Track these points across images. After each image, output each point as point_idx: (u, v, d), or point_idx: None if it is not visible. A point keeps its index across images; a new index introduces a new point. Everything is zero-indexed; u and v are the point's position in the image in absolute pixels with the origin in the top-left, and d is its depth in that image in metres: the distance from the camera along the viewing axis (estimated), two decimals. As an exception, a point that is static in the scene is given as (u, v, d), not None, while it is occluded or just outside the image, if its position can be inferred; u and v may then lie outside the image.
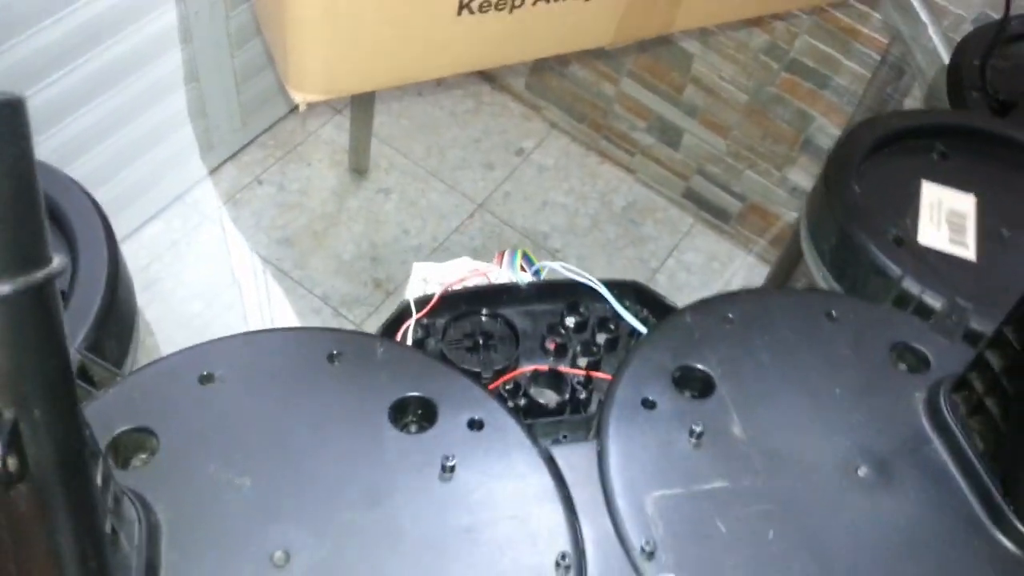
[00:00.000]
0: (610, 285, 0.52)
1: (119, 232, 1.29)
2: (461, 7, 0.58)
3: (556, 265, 0.51)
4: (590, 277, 0.48)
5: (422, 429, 0.40)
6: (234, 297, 1.31)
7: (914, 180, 0.64)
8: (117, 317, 0.44)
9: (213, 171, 1.40)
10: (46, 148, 1.07)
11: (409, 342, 0.50)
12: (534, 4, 0.60)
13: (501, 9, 0.59)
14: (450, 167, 1.47)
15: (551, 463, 0.40)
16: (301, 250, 1.35)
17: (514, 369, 0.46)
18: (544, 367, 0.47)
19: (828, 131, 1.28)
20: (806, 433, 0.43)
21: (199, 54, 1.19)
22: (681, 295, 1.41)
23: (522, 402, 0.46)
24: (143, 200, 1.31)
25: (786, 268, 1.11)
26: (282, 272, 1.33)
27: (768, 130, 1.33)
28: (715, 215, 1.48)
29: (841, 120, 1.25)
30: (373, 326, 1.30)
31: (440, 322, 0.50)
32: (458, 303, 0.49)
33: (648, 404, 0.43)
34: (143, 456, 0.39)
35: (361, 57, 0.58)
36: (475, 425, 0.40)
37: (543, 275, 0.53)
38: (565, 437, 0.45)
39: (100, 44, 1.04)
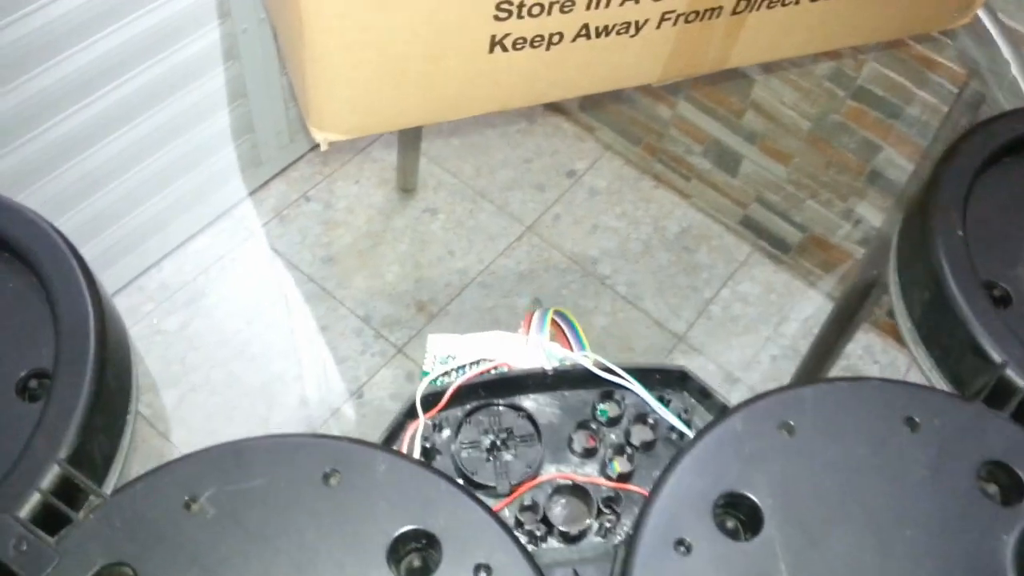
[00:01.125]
0: (653, 372, 0.46)
1: (167, 245, 1.30)
2: (493, 44, 0.54)
3: (586, 360, 0.45)
4: (625, 375, 0.42)
5: (424, 572, 0.36)
6: (276, 316, 1.30)
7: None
8: (107, 405, 0.40)
9: (261, 187, 1.39)
10: (92, 163, 1.07)
11: (416, 452, 0.45)
12: (574, 41, 0.56)
13: (537, 46, 0.55)
14: (499, 188, 1.44)
15: None
16: (345, 269, 1.33)
17: (535, 475, 0.41)
18: (568, 476, 0.42)
19: (897, 162, 1.21)
20: None
21: (247, 71, 1.18)
22: (736, 327, 1.35)
23: (539, 531, 0.40)
24: (191, 214, 1.30)
25: (851, 306, 1.04)
26: (325, 291, 1.31)
27: (832, 159, 1.27)
28: (774, 245, 1.41)
29: (911, 152, 1.18)
30: (415, 349, 1.28)
31: (455, 415, 0.45)
32: (476, 390, 0.44)
33: (683, 546, 0.36)
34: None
35: (385, 96, 0.54)
36: (482, 570, 0.36)
37: (568, 364, 0.46)
38: None
39: (146, 61, 1.04)
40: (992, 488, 0.39)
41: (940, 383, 0.49)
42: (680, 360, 1.30)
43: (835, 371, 1.30)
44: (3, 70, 0.91)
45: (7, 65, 0.90)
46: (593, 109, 1.48)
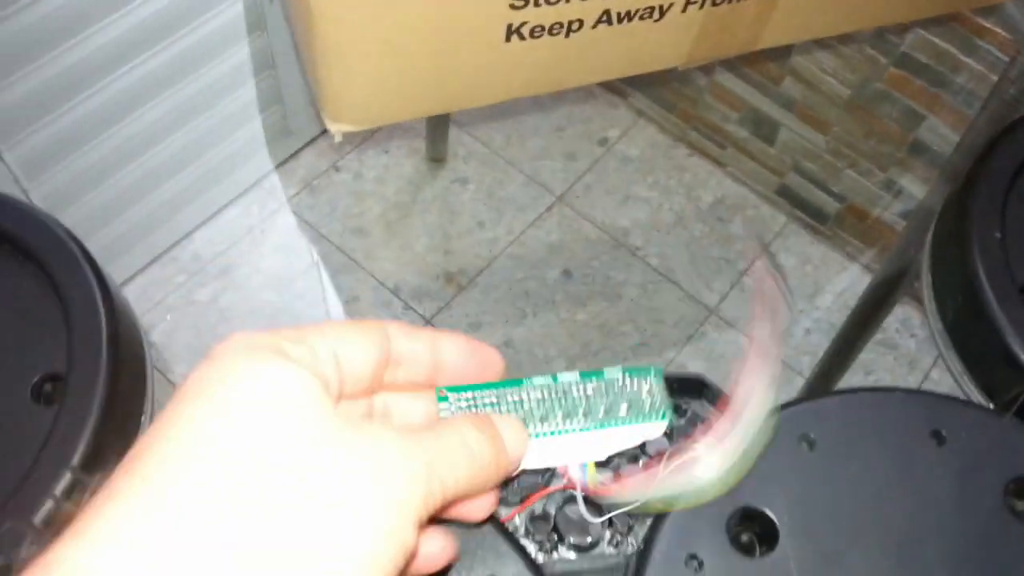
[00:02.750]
0: (670, 381, 0.44)
1: (198, 217, 1.31)
2: (510, 33, 0.52)
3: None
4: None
5: None
6: (306, 287, 1.30)
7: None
8: (121, 408, 0.41)
9: (291, 157, 1.39)
10: (123, 136, 1.07)
11: None
12: (594, 27, 0.54)
13: (556, 34, 0.53)
14: (530, 157, 1.42)
15: None
16: (374, 240, 1.33)
17: (546, 485, 0.40)
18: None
19: (941, 132, 1.17)
20: None
21: (274, 42, 1.17)
22: (769, 298, 1.33)
23: (549, 541, 0.39)
24: (221, 185, 1.31)
25: (889, 282, 1.02)
26: (355, 262, 1.31)
27: (873, 128, 1.23)
28: (811, 215, 1.38)
29: (956, 121, 1.14)
30: (443, 321, 1.28)
31: None
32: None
33: (695, 560, 0.35)
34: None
35: (400, 87, 0.53)
36: None
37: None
38: None
39: (174, 34, 1.03)
40: (1021, 506, 0.38)
41: (971, 390, 0.47)
42: (712, 334, 1.29)
43: (870, 345, 1.28)
44: (34, 44, 0.91)
45: (38, 40, 0.91)
46: (626, 76, 1.45)
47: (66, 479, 0.38)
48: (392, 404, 0.31)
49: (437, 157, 1.39)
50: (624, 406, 0.34)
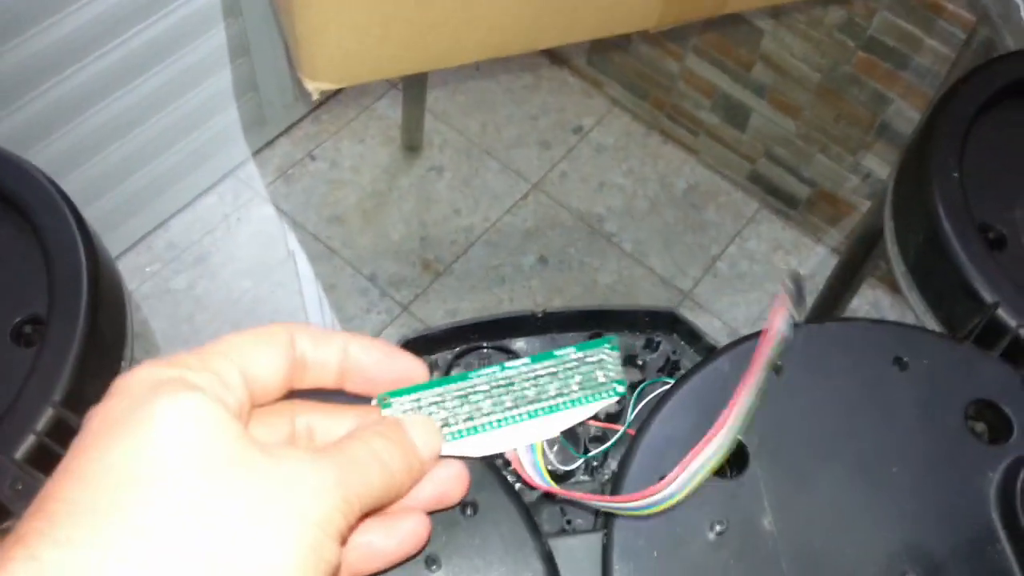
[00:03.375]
0: (644, 314, 0.45)
1: (173, 205, 1.30)
2: (485, -11, 0.53)
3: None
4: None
5: None
6: (284, 275, 1.30)
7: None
8: (102, 349, 0.41)
9: (266, 145, 1.39)
10: (94, 123, 1.07)
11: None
12: (568, -14, 0.55)
13: (530, -9, 0.54)
14: (505, 145, 1.43)
15: (549, 563, 0.35)
16: (350, 228, 1.33)
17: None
18: None
19: (907, 115, 1.19)
20: (848, 528, 0.35)
21: (250, 27, 1.17)
22: (743, 284, 1.35)
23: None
24: (196, 173, 1.31)
25: (856, 259, 1.04)
26: (331, 250, 1.32)
27: (842, 112, 1.25)
28: (782, 201, 1.40)
29: (921, 103, 1.16)
30: (420, 308, 1.28)
31: (444, 358, 0.45)
32: (465, 334, 0.43)
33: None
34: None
35: (376, 43, 0.54)
36: (469, 507, 0.35)
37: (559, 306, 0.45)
38: (569, 523, 0.39)
39: (146, 19, 1.03)
40: (980, 427, 0.39)
41: (933, 327, 0.49)
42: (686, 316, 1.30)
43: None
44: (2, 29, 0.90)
45: (3, 25, 0.90)
46: (601, 63, 1.46)
47: (48, 415, 0.38)
48: (315, 424, 0.32)
49: (413, 145, 1.40)
50: (576, 384, 0.35)
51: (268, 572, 0.24)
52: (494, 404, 0.34)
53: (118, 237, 1.25)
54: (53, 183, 0.43)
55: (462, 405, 0.34)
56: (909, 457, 0.38)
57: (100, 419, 0.26)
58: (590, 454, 0.39)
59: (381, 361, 0.32)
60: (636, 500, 0.35)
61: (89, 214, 0.44)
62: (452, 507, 0.34)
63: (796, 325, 0.38)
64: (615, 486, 0.37)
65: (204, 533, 0.24)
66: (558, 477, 0.40)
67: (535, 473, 0.35)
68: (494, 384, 0.34)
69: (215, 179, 1.34)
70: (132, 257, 1.27)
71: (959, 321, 0.45)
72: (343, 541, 0.27)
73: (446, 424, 0.34)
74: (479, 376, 0.34)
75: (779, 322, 0.37)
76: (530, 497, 0.40)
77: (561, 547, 0.36)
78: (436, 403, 0.34)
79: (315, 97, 0.56)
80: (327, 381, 0.32)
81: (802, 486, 0.37)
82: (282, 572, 0.24)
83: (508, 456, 0.35)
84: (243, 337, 0.30)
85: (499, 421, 0.34)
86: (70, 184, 1.12)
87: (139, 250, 1.28)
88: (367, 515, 0.29)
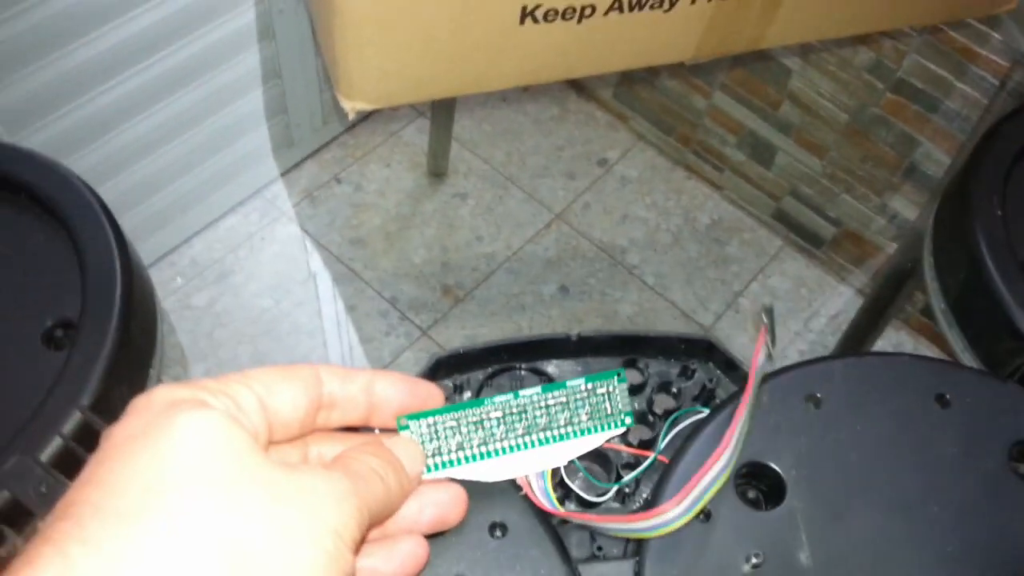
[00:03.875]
0: (679, 340, 0.45)
1: (198, 223, 1.31)
2: (524, 15, 0.53)
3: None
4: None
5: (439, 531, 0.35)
6: (304, 295, 1.30)
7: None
8: (131, 356, 0.41)
9: (293, 167, 1.40)
10: (125, 139, 1.08)
11: None
12: (606, 14, 0.55)
13: (569, 19, 0.54)
14: (530, 175, 1.44)
15: None
16: (373, 251, 1.34)
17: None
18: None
19: (935, 157, 1.19)
20: (887, 567, 0.34)
21: (282, 51, 1.18)
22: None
23: (556, 494, 0.40)
24: (223, 192, 1.31)
25: (883, 299, 1.03)
26: (353, 272, 1.32)
27: (869, 153, 1.25)
28: (806, 239, 1.39)
29: (950, 147, 1.16)
30: (440, 333, 1.28)
31: (475, 377, 0.45)
32: (499, 355, 0.43)
33: (702, 513, 0.36)
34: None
35: (414, 65, 0.54)
36: (498, 529, 0.35)
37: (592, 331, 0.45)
38: (600, 550, 0.38)
39: (182, 39, 1.05)
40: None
41: (974, 365, 0.48)
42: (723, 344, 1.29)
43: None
44: (38, 45, 0.92)
45: (41, 41, 0.92)
46: (627, 97, 1.47)
47: (75, 418, 0.38)
48: (326, 453, 0.32)
49: (438, 172, 1.41)
50: (585, 414, 0.36)
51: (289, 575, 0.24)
52: (507, 431, 0.35)
53: (142, 252, 1.25)
54: (91, 189, 0.44)
55: (476, 430, 0.35)
56: (950, 497, 0.37)
57: (120, 434, 0.26)
58: (621, 481, 0.38)
59: (404, 393, 0.33)
60: (640, 521, 0.34)
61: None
62: (448, 530, 0.34)
63: (770, 356, 0.38)
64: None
65: (228, 536, 0.24)
66: (588, 504, 0.40)
67: (544, 498, 0.35)
68: (508, 411, 0.35)
69: (242, 198, 1.35)
70: (154, 272, 1.28)
71: (1000, 360, 0.45)
72: (356, 551, 0.27)
73: (460, 448, 0.34)
74: (493, 404, 0.35)
75: (762, 355, 0.37)
76: (558, 521, 0.39)
77: (590, 574, 0.35)
78: (452, 427, 0.34)
79: (351, 117, 0.56)
80: (355, 418, 0.32)
81: (840, 521, 0.36)
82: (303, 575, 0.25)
83: (519, 481, 0.36)
84: (268, 371, 0.30)
85: (511, 447, 0.35)
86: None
87: (162, 266, 1.29)
88: (368, 531, 0.29)
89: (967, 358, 0.48)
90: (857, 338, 1.02)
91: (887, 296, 0.89)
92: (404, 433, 0.34)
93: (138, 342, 0.42)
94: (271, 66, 1.19)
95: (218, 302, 1.28)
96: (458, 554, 0.34)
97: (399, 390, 0.33)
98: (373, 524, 0.29)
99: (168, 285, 1.28)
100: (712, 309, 1.34)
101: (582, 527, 0.39)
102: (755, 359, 0.37)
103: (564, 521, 0.38)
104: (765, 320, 0.39)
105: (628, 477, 0.38)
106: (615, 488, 0.38)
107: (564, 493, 0.39)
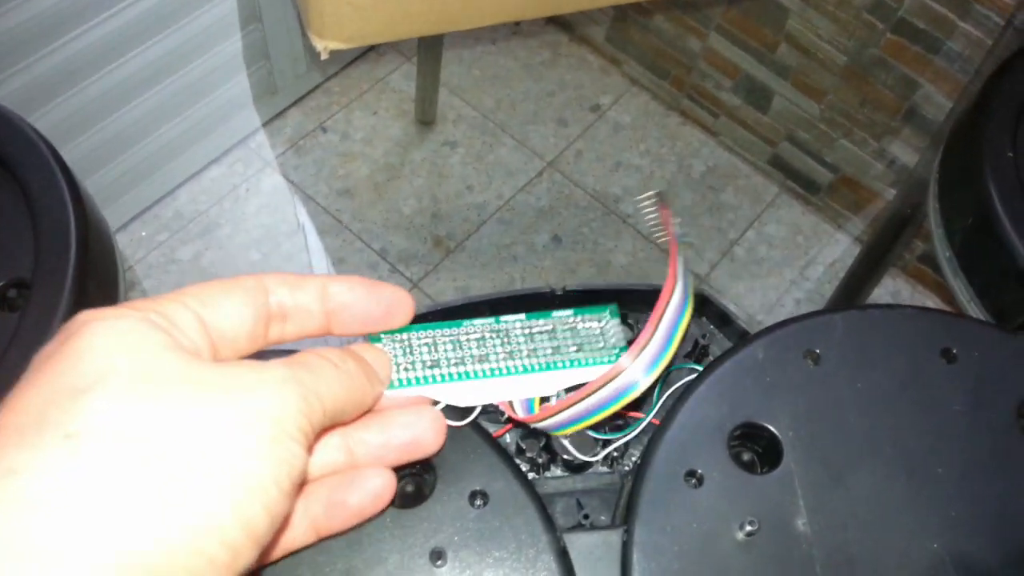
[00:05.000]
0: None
1: (180, 175, 1.28)
2: (507, -52, 0.50)
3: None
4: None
5: (416, 500, 0.33)
6: (292, 247, 1.28)
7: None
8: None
9: (277, 116, 1.36)
10: (100, 88, 1.04)
11: None
12: (594, -54, 0.52)
13: (554, -49, 0.51)
14: (520, 121, 1.40)
15: (564, 560, 0.32)
16: (361, 202, 1.31)
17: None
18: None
19: (936, 100, 1.15)
20: (889, 532, 0.33)
21: (262, -6, 1.14)
22: (760, 269, 1.32)
23: (541, 459, 0.38)
24: (205, 142, 1.28)
25: (881, 246, 1.00)
26: (341, 224, 1.29)
27: (868, 96, 1.21)
28: (803, 185, 1.37)
29: (951, 89, 1.13)
30: (430, 285, 1.26)
31: None
32: (479, 310, 0.41)
33: (694, 478, 0.34)
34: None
35: (388, 1, 0.51)
36: (478, 497, 0.33)
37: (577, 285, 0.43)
38: (587, 518, 0.36)
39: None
40: (1032, 429, 0.36)
41: (980, 316, 0.46)
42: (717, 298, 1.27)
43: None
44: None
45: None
46: (620, 40, 1.42)
47: (31, 385, 0.36)
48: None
49: (426, 119, 1.37)
50: (574, 347, 0.34)
51: (222, 466, 0.22)
52: (487, 353, 0.33)
53: (124, 205, 1.23)
54: (46, 142, 0.41)
55: (454, 349, 0.33)
56: (956, 457, 0.35)
57: (37, 357, 0.25)
58: (610, 446, 0.36)
59: (365, 297, 0.31)
60: (599, 387, 0.32)
61: (94, 182, 0.41)
62: (428, 459, 0.32)
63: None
64: (637, 479, 0.34)
65: (137, 436, 0.22)
66: (575, 467, 0.38)
67: (524, 411, 0.33)
68: (488, 333, 0.33)
69: (224, 148, 1.32)
70: (138, 226, 1.25)
71: (1010, 311, 0.43)
72: (308, 447, 0.25)
73: (436, 365, 0.32)
74: (472, 325, 0.33)
75: (675, 226, 0.35)
76: (543, 489, 0.37)
77: (577, 543, 0.33)
78: (427, 344, 0.32)
79: (324, 56, 0.53)
80: (313, 328, 0.30)
81: (839, 485, 0.34)
82: (238, 465, 0.23)
83: (501, 406, 0.34)
84: (205, 285, 0.28)
85: (492, 371, 0.33)
86: (73, 151, 1.09)
87: (145, 219, 1.26)
88: (328, 424, 0.27)
89: (973, 308, 0.46)
90: (854, 286, 1.00)
91: (885, 243, 0.87)
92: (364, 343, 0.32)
93: (97, 302, 0.39)
94: (250, 10, 1.15)
95: (204, 256, 1.25)
96: (436, 526, 0.32)
97: (357, 295, 0.30)
98: (336, 418, 0.27)
99: (153, 239, 1.25)
100: (707, 258, 1.31)
101: (568, 494, 0.37)
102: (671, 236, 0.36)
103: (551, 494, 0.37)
104: (661, 200, 0.38)
105: (619, 441, 0.36)
106: (603, 454, 0.36)
107: (550, 457, 0.37)
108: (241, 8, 1.14)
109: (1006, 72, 0.48)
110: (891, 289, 1.32)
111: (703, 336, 0.40)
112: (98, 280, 0.40)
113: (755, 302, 1.30)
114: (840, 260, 1.33)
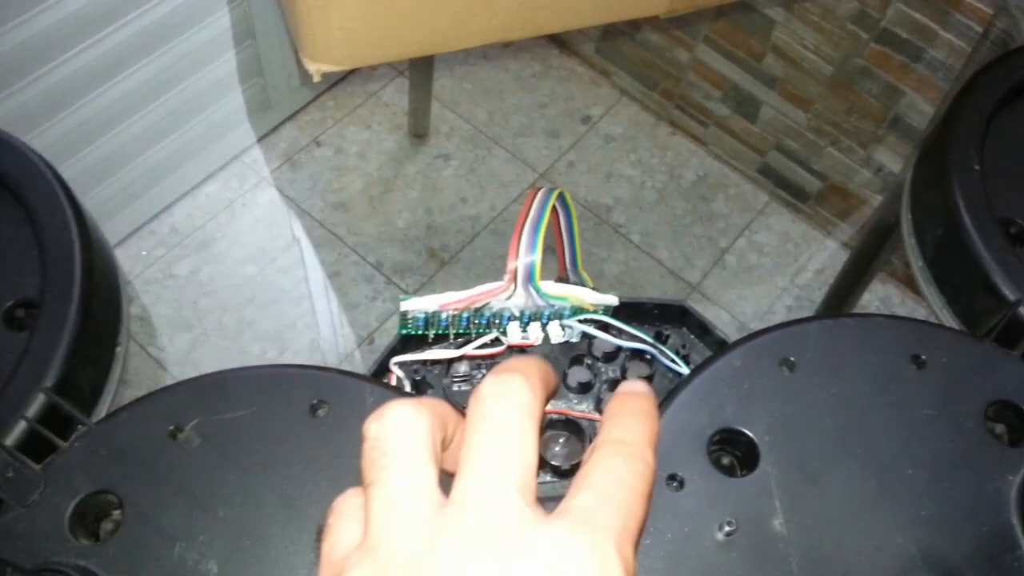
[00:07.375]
0: (652, 306, 0.44)
1: (177, 191, 1.29)
2: (493, -29, 0.52)
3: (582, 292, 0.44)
4: (620, 324, 0.41)
5: None
6: (288, 261, 1.29)
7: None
8: (95, 335, 0.40)
9: (272, 131, 1.37)
10: (98, 105, 1.06)
11: (407, 386, 0.45)
12: (577, -31, 0.53)
13: (539, -26, 0.53)
14: (513, 134, 1.42)
15: None
16: (356, 215, 1.32)
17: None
18: (561, 411, 0.41)
19: (920, 108, 1.17)
20: (862, 531, 0.34)
21: (255, 11, 1.16)
22: (751, 277, 1.33)
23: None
24: (201, 158, 1.29)
25: (868, 253, 1.02)
26: (336, 237, 1.31)
27: (854, 105, 1.23)
28: (792, 194, 1.38)
29: (935, 97, 1.15)
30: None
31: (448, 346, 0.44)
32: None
33: (675, 481, 0.35)
34: (109, 527, 0.36)
35: (379, 25, 0.52)
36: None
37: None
38: None
39: (147, 3, 1.02)
40: (1000, 428, 0.38)
41: (951, 323, 0.48)
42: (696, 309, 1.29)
43: (851, 322, 1.28)
44: (1, 9, 0.89)
45: (5, 4, 0.89)
46: (610, 52, 1.45)
47: (39, 401, 0.37)
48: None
49: (420, 133, 1.39)
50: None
51: None
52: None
53: (121, 222, 1.24)
54: (49, 165, 0.42)
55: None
56: (926, 459, 0.36)
57: None
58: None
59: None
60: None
61: (91, 199, 0.43)
62: None
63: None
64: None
65: None
66: (562, 473, 0.39)
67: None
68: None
69: (220, 164, 1.33)
70: (135, 242, 1.26)
71: (978, 318, 0.44)
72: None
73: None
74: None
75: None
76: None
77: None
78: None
79: (316, 79, 0.55)
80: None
81: (814, 486, 0.36)
82: None
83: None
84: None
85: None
86: (71, 169, 1.10)
87: (142, 235, 1.27)
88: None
89: (945, 316, 0.48)
90: (843, 293, 1.01)
91: (872, 250, 0.89)
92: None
93: (102, 320, 0.41)
94: (244, 26, 1.16)
95: (201, 270, 1.27)
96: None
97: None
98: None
99: (150, 254, 1.27)
100: (699, 266, 1.33)
101: (555, 499, 0.38)
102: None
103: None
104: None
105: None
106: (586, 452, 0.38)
107: (538, 463, 0.39)
108: (235, 25, 1.16)
109: (974, 86, 0.50)
110: (881, 294, 1.34)
111: (683, 346, 0.42)
112: (102, 297, 0.41)
113: (747, 309, 1.31)
114: (830, 266, 1.34)
